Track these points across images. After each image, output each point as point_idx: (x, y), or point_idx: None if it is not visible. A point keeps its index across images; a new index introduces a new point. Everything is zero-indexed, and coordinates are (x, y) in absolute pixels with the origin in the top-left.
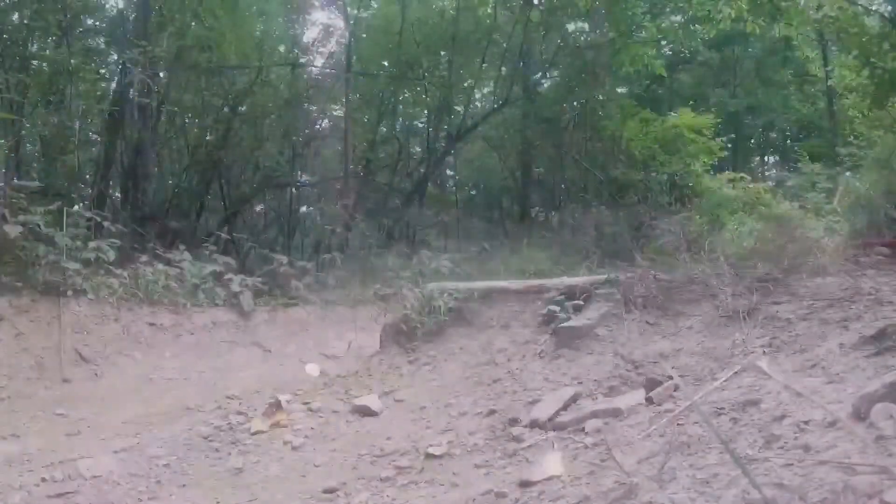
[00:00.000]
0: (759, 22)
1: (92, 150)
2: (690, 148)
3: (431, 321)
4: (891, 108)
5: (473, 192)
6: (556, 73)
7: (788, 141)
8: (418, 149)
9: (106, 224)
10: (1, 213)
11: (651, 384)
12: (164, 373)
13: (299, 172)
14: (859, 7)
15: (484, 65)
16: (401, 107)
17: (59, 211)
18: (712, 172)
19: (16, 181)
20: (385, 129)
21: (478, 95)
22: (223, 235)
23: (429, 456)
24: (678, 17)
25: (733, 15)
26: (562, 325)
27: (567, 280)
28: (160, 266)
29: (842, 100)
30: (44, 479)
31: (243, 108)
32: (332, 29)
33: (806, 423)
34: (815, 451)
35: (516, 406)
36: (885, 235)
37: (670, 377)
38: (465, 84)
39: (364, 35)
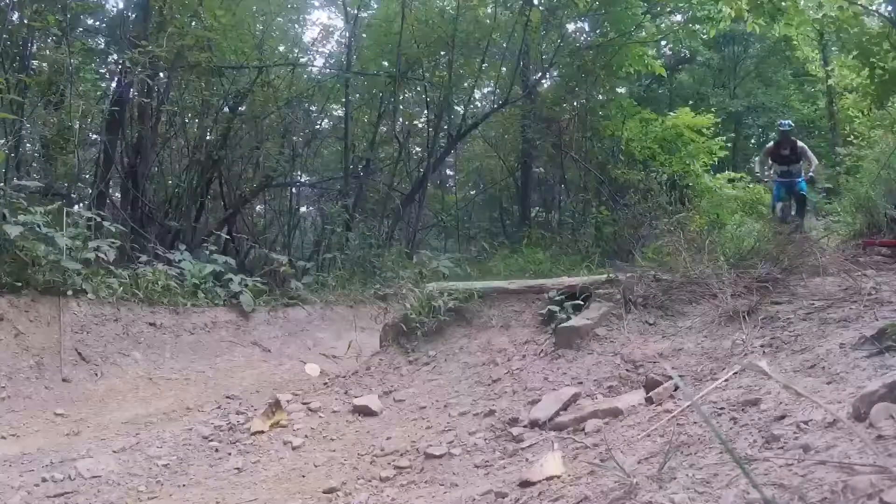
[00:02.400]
0: (759, 22)
1: (92, 150)
2: (690, 148)
3: (431, 321)
4: (891, 107)
5: (473, 192)
6: (556, 73)
7: None
8: (418, 149)
9: (106, 224)
10: (1, 213)
11: (651, 384)
12: (164, 373)
13: (299, 172)
14: (859, 7)
15: (484, 65)
16: (401, 107)
17: (59, 211)
18: (712, 172)
19: (16, 181)
20: (385, 129)
21: (478, 95)
22: (223, 235)
23: (429, 456)
24: (678, 17)
25: (733, 15)
26: (562, 325)
27: (567, 280)
28: (160, 266)
29: (842, 100)
30: (44, 479)
31: (243, 108)
32: (332, 29)
33: (806, 423)
34: (814, 452)
35: (516, 406)
36: (885, 235)
37: (670, 377)
38: (465, 84)
39: (364, 35)
